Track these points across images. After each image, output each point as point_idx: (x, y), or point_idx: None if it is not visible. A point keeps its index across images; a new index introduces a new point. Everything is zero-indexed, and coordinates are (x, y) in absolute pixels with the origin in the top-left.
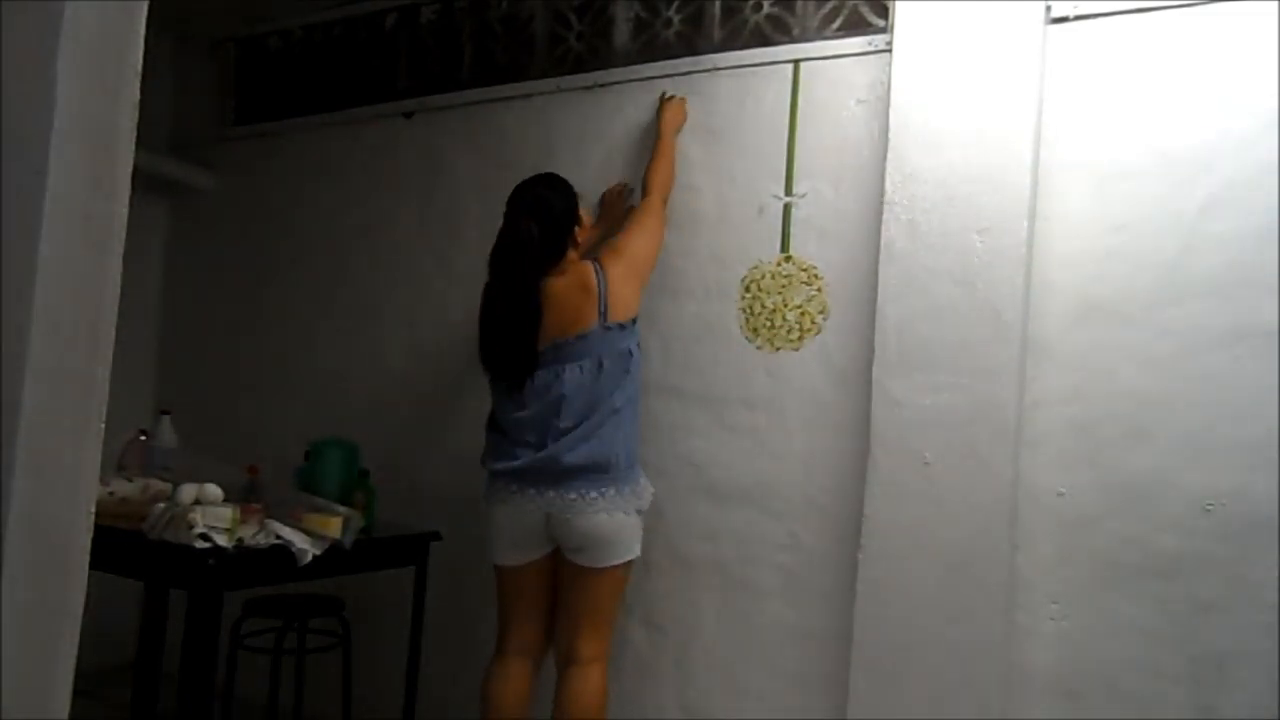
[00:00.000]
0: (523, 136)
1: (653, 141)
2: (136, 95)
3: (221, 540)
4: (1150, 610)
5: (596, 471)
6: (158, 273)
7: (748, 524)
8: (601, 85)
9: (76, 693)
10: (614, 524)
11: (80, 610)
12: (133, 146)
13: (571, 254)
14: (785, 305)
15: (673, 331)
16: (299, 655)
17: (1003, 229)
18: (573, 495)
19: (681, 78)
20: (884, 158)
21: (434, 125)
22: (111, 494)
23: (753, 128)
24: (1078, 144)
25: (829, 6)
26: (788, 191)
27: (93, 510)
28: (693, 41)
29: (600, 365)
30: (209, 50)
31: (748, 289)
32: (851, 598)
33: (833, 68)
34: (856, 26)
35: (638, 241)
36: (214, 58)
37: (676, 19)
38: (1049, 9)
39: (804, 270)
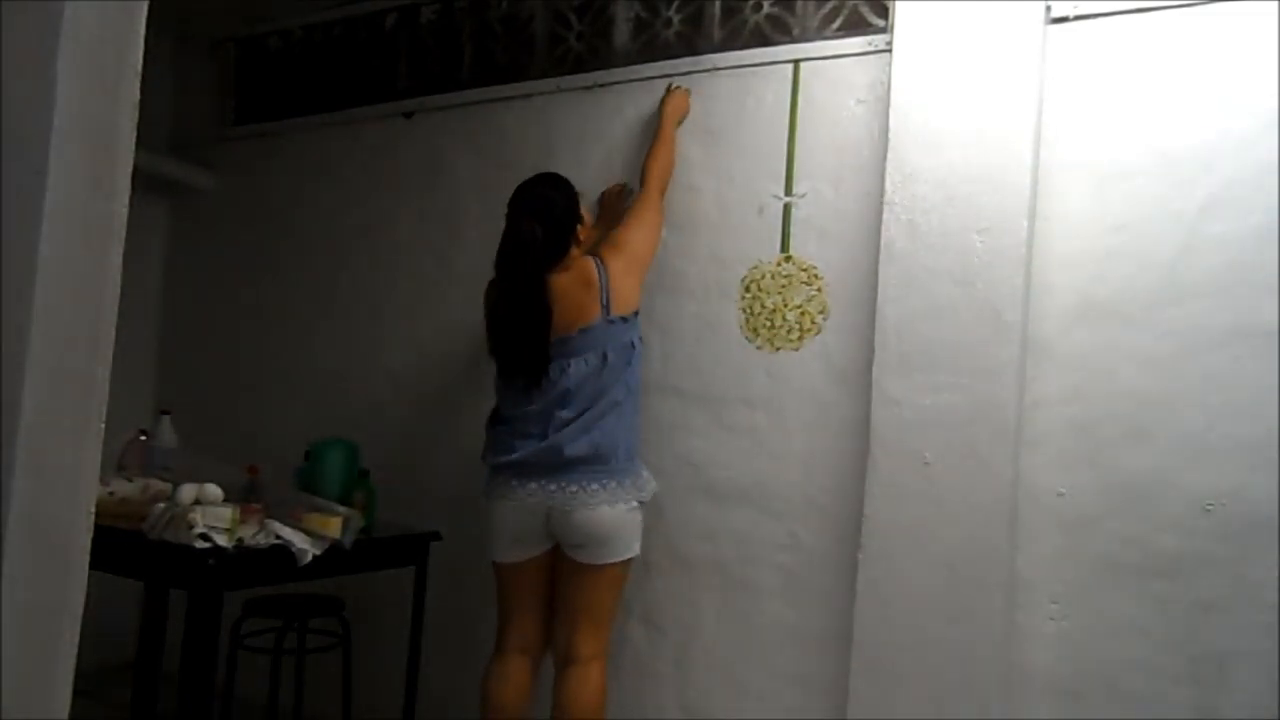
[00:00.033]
0: (523, 136)
1: (653, 137)
2: (136, 95)
3: (221, 540)
4: (1150, 610)
5: (597, 463)
6: (158, 273)
7: (747, 524)
8: (601, 85)
9: (76, 693)
10: (615, 517)
11: (80, 610)
12: (133, 146)
13: (574, 251)
14: (785, 305)
15: (673, 331)
16: (299, 655)
17: (1003, 229)
18: (574, 487)
19: (681, 78)
20: (884, 158)
21: (434, 125)
22: (111, 494)
23: (753, 128)
24: (1078, 144)
25: (829, 6)
26: (788, 191)
27: (93, 510)
28: (693, 41)
29: (604, 358)
30: (209, 50)
31: (748, 289)
32: (851, 598)
33: (833, 68)
34: (856, 26)
35: (637, 235)
36: (214, 58)
37: (676, 19)
38: (1049, 9)
39: (804, 270)
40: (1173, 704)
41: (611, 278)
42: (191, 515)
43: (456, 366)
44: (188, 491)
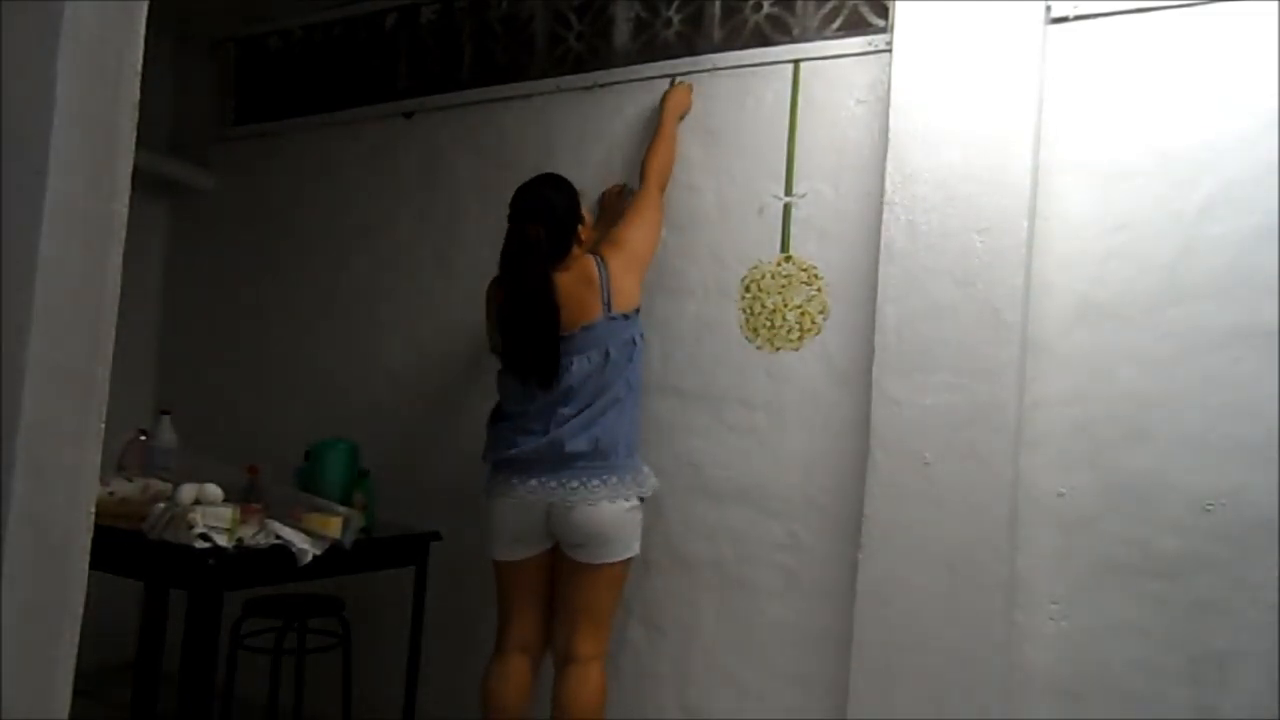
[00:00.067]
0: (523, 136)
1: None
2: (136, 95)
3: (221, 540)
4: (1150, 610)
5: (598, 459)
6: (158, 273)
7: (747, 524)
8: (601, 85)
9: (76, 693)
10: (615, 514)
11: (80, 610)
12: (133, 146)
13: (575, 250)
14: (785, 305)
15: (673, 331)
16: (299, 655)
17: (1003, 229)
18: (574, 483)
19: (681, 78)
20: (884, 158)
21: (434, 125)
22: (111, 494)
23: (753, 128)
24: (1078, 144)
25: (829, 6)
26: (788, 191)
27: (93, 510)
28: (693, 41)
29: (606, 355)
30: (209, 50)
31: (748, 289)
32: (851, 598)
33: (833, 68)
34: (856, 26)
35: (636, 233)
36: (214, 58)
37: (676, 19)
38: (1049, 9)
39: (804, 270)
40: (1173, 704)
41: (612, 275)
42: (191, 515)
43: (456, 366)
44: (188, 491)
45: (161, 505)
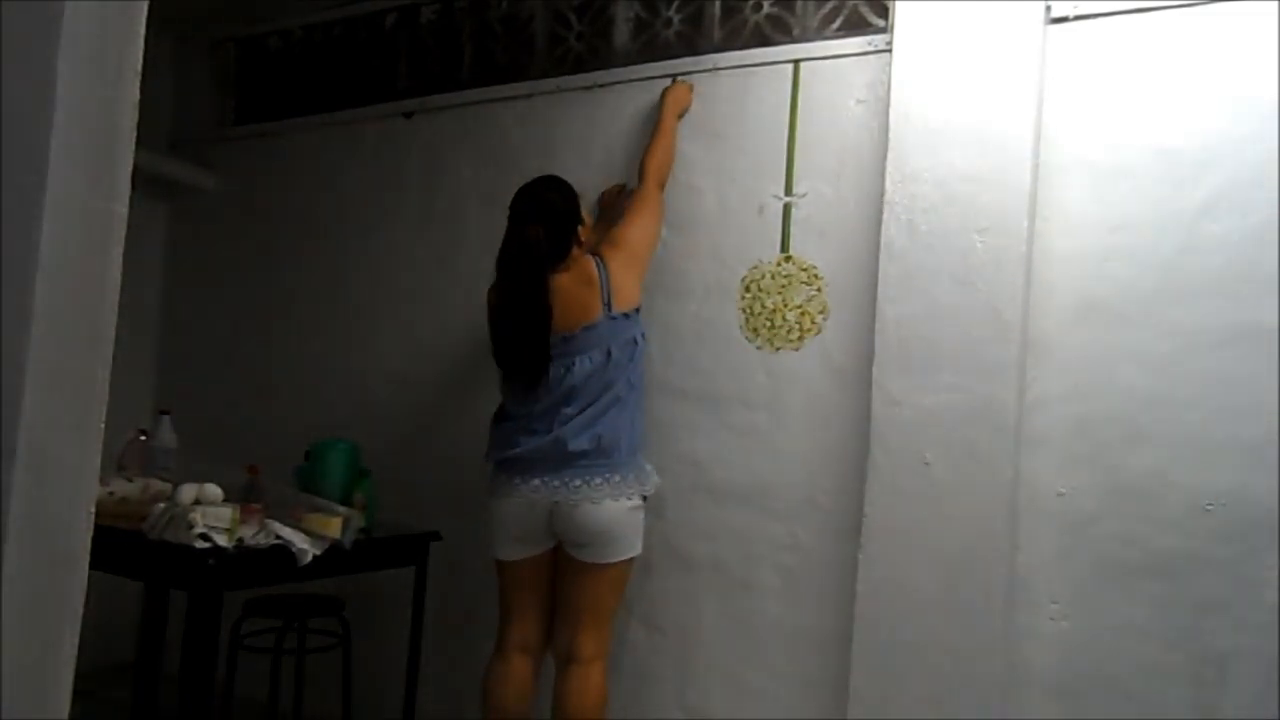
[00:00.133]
0: (523, 136)
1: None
2: (136, 95)
3: (221, 540)
4: (1150, 610)
5: (600, 457)
6: (158, 273)
7: (748, 524)
8: (601, 85)
9: (76, 693)
10: (619, 513)
11: (80, 610)
12: (133, 146)
13: (575, 251)
14: (785, 305)
15: (673, 331)
16: (299, 655)
17: (1003, 229)
18: (577, 481)
19: (681, 78)
20: (884, 158)
21: (434, 125)
22: (111, 494)
23: (753, 128)
24: (1078, 143)
25: (829, 6)
26: (788, 191)
27: (93, 510)
28: (693, 41)
29: (608, 355)
30: (209, 50)
31: (748, 289)
32: (851, 598)
33: (833, 68)
34: (856, 26)
35: (636, 232)
36: (214, 58)
37: (676, 19)
38: (1049, 9)
39: (804, 270)
40: (1173, 704)
41: (612, 275)
42: (191, 515)
43: (456, 367)
44: (188, 491)
45: (161, 505)
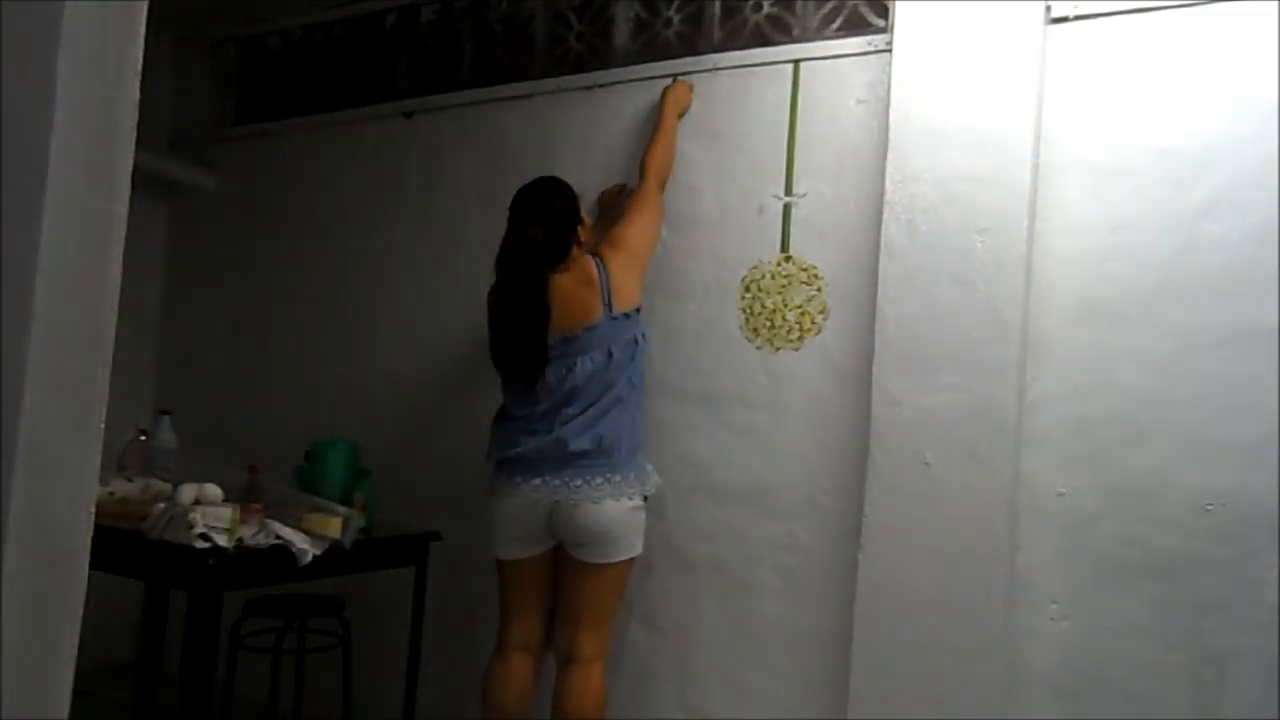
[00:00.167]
0: (523, 136)
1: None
2: (136, 95)
3: (221, 540)
4: (1150, 610)
5: (600, 457)
6: (158, 273)
7: (748, 524)
8: (601, 85)
9: (76, 693)
10: (619, 513)
11: (80, 610)
12: (133, 146)
13: (575, 251)
14: (785, 305)
15: (673, 331)
16: (299, 655)
17: (1003, 229)
18: (578, 481)
19: (681, 78)
20: (884, 158)
21: (434, 125)
22: (111, 494)
23: (753, 128)
24: (1078, 143)
25: (829, 6)
26: (788, 191)
27: (93, 510)
28: (693, 41)
29: (609, 355)
30: (209, 50)
31: (748, 289)
32: (851, 598)
33: (833, 68)
34: (856, 26)
35: (635, 232)
36: (214, 58)
37: (676, 19)
38: (1049, 9)
39: (804, 270)
40: (1173, 704)
41: (612, 275)
42: (191, 515)
43: (456, 367)
44: (188, 491)
45: (161, 505)
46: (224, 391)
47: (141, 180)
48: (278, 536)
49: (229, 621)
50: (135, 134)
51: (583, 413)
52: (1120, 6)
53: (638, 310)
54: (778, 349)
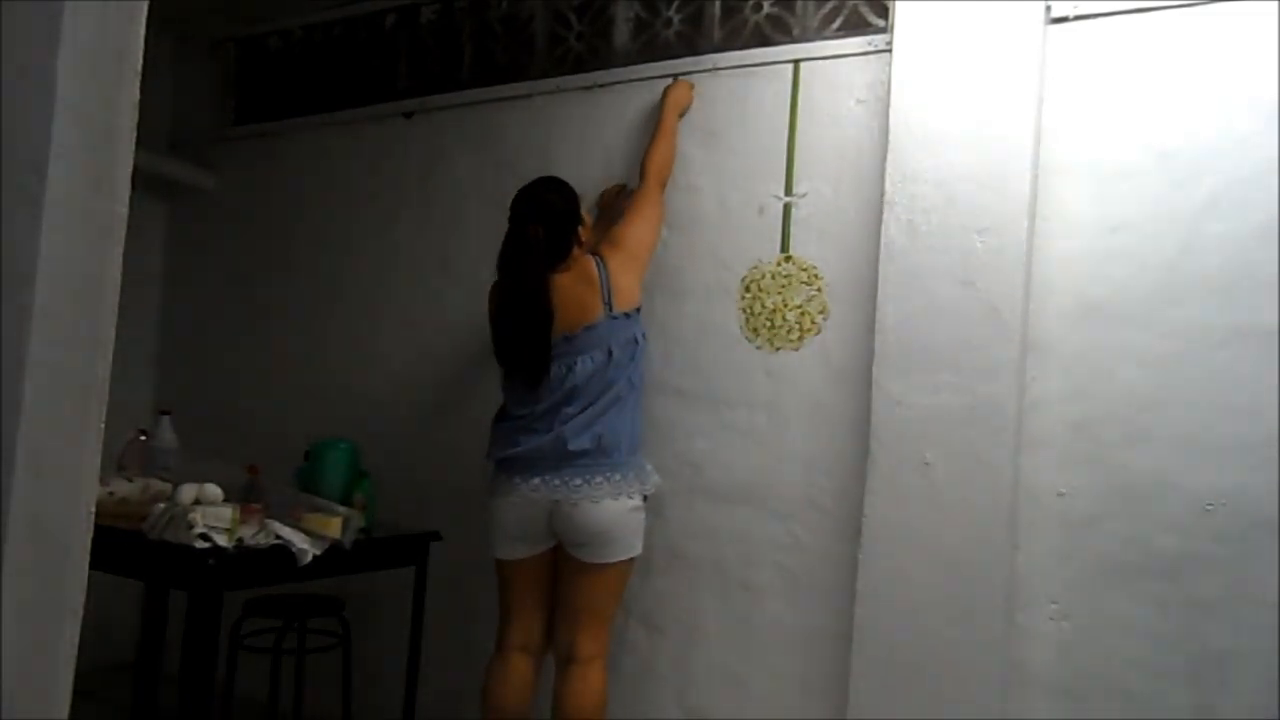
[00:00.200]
0: (523, 136)
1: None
2: (136, 95)
3: (221, 540)
4: (1150, 610)
5: (600, 456)
6: (158, 273)
7: (748, 524)
8: (601, 85)
9: (76, 693)
10: (619, 513)
11: (80, 610)
12: (133, 146)
13: (575, 251)
14: (785, 305)
15: (673, 331)
16: (299, 655)
17: (1003, 229)
18: (577, 480)
19: (681, 78)
20: (884, 158)
21: (434, 125)
22: (111, 494)
23: (753, 128)
24: (1078, 144)
25: (829, 6)
26: (788, 191)
27: (93, 510)
28: (693, 41)
29: (609, 354)
30: (209, 50)
31: (748, 289)
32: (851, 598)
33: (833, 68)
34: (856, 26)
35: (635, 231)
36: (214, 58)
37: (676, 19)
38: (1049, 9)
39: (804, 270)
40: (1173, 704)
41: (612, 274)
42: (191, 515)
43: (456, 366)
44: (188, 491)
45: (161, 505)
46: (224, 391)
47: (141, 180)
48: (278, 536)
49: (229, 621)
50: (135, 134)
51: (582, 412)
52: (1120, 6)
53: (638, 310)
54: (778, 349)
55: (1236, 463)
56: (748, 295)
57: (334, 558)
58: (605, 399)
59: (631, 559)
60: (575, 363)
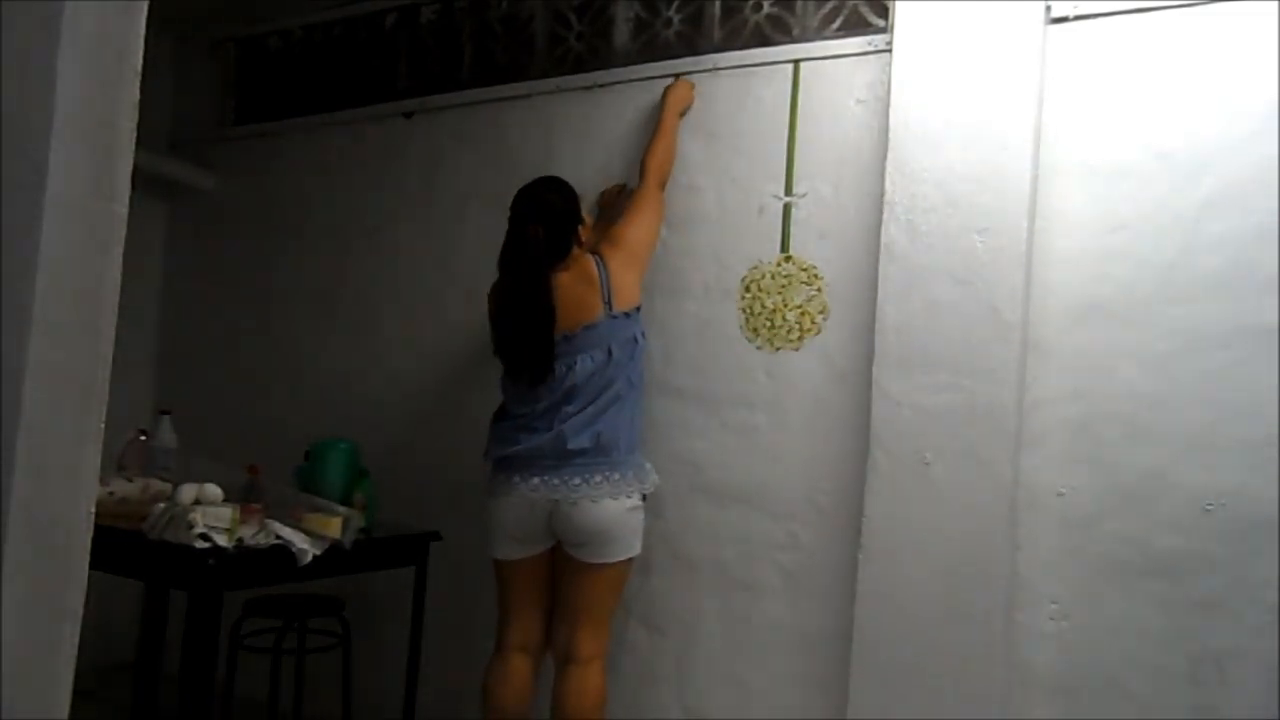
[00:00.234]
0: (523, 136)
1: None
2: (136, 95)
3: (221, 540)
4: (1150, 610)
5: (599, 455)
6: (158, 273)
7: (748, 524)
8: (601, 85)
9: (76, 693)
10: (618, 513)
11: (80, 610)
12: (133, 146)
13: (575, 251)
14: (785, 305)
15: (673, 331)
16: (299, 655)
17: (1003, 229)
18: (576, 479)
19: (682, 78)
20: (884, 158)
21: (434, 125)
22: (111, 494)
23: (753, 128)
24: (1078, 144)
25: (829, 6)
26: (788, 191)
27: (93, 510)
28: (693, 41)
29: (609, 353)
30: (209, 50)
31: (748, 289)
32: (851, 598)
33: (833, 68)
34: (856, 26)
35: (635, 230)
36: (214, 58)
37: (676, 19)
38: (1049, 9)
39: (804, 270)
40: (1172, 704)
41: (612, 274)
42: (191, 515)
43: (456, 366)
44: (188, 491)
45: (161, 505)
46: (224, 391)
47: (141, 180)
48: (278, 536)
49: (229, 621)
50: (135, 134)
51: (581, 411)
52: (1120, 6)
53: (637, 309)
54: (778, 349)
55: (1236, 463)
56: (748, 295)
57: (334, 558)
58: (605, 398)
59: (631, 559)
60: (575, 362)
